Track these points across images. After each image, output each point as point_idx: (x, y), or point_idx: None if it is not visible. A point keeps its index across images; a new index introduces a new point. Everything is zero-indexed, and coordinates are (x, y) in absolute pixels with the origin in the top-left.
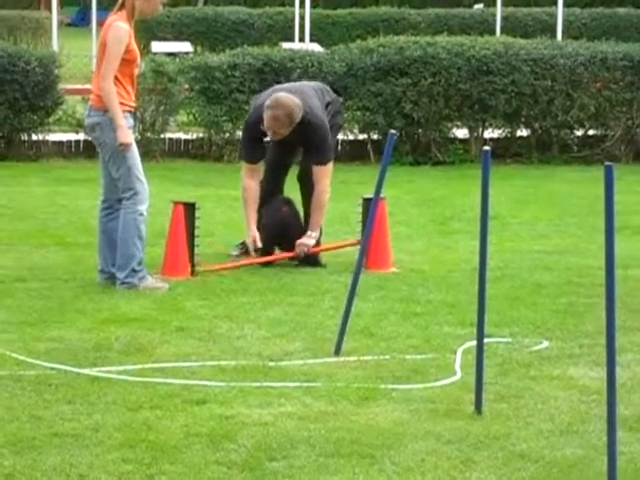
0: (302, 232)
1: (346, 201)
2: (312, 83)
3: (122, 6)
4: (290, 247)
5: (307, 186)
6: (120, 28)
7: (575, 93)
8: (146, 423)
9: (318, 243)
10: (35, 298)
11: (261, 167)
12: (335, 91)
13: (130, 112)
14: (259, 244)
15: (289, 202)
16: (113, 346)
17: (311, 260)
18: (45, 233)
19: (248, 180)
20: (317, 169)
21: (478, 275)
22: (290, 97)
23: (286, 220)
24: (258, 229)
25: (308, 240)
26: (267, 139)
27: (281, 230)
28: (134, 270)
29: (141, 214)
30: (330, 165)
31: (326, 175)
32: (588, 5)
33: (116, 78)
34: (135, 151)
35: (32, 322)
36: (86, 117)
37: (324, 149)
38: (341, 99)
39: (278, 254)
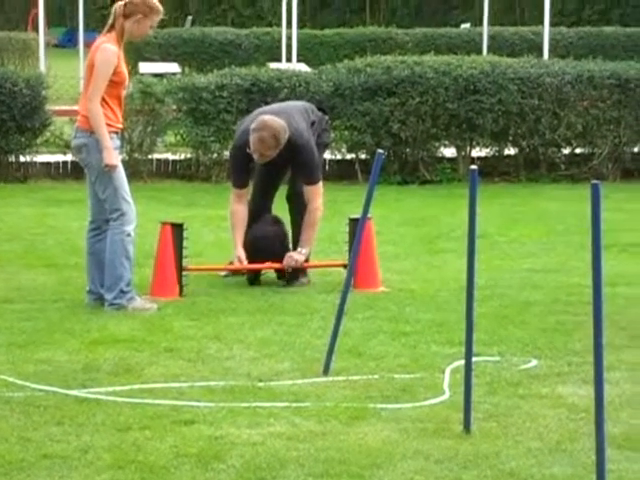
0: (287, 251)
1: (334, 220)
2: (298, 103)
3: (112, 27)
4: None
5: (296, 206)
6: (108, 50)
7: (562, 111)
8: (135, 444)
9: (306, 261)
10: (23, 319)
11: (249, 191)
12: (321, 109)
13: (117, 133)
14: (245, 264)
15: (278, 222)
16: (102, 367)
17: (292, 277)
18: (33, 254)
19: (236, 205)
20: (307, 189)
21: (466, 294)
22: (275, 119)
23: (272, 237)
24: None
25: (298, 255)
26: (253, 163)
27: (266, 246)
28: (122, 291)
29: (128, 234)
30: (320, 184)
31: (317, 194)
32: (575, 24)
33: (103, 99)
34: (122, 172)
35: (20, 343)
36: (72, 138)
37: (311, 169)
38: (327, 117)
39: (267, 264)
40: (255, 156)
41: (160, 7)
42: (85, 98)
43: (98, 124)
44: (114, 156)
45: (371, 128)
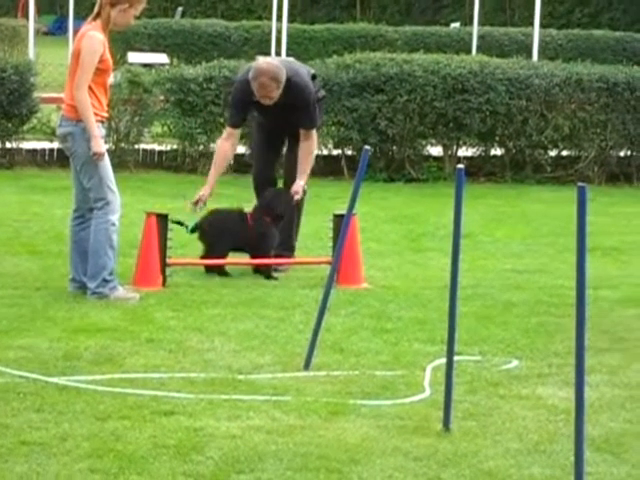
0: (273, 244)
1: (319, 216)
2: (305, 66)
3: (97, 16)
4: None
5: (291, 176)
6: (94, 37)
7: (550, 114)
8: (114, 433)
9: (293, 255)
10: (6, 306)
11: (239, 132)
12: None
13: (102, 122)
14: (200, 204)
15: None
16: (83, 355)
17: (264, 272)
18: (17, 241)
19: (223, 142)
20: (304, 132)
21: (449, 293)
22: (270, 62)
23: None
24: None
25: (297, 186)
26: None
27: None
28: (105, 280)
29: (113, 224)
30: (314, 131)
31: (313, 136)
32: (564, 26)
33: (89, 88)
34: (107, 161)
35: (2, 330)
36: (58, 127)
37: (310, 111)
38: (324, 93)
39: (246, 260)
40: (263, 101)
41: None
42: (71, 86)
43: (86, 112)
44: (101, 144)
45: (358, 124)
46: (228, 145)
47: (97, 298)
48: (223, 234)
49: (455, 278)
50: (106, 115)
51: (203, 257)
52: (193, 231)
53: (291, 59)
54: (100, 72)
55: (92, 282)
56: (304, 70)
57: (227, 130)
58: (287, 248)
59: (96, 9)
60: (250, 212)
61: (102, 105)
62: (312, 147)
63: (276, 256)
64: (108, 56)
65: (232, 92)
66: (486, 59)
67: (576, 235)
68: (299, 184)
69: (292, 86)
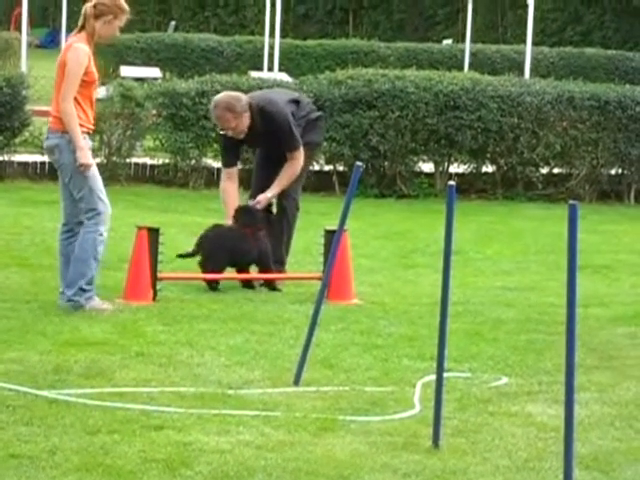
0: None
1: (310, 231)
2: (289, 93)
3: (82, 28)
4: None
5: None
6: (80, 49)
7: (541, 131)
8: (103, 447)
9: (283, 270)
10: None
11: (236, 170)
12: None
13: (88, 134)
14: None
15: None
16: (73, 369)
17: (269, 285)
18: (7, 254)
19: (225, 183)
20: (288, 154)
21: (439, 309)
22: (225, 94)
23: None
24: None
25: (261, 197)
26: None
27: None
28: (82, 289)
29: (101, 234)
30: (299, 151)
31: (298, 156)
32: (556, 44)
33: (75, 99)
34: (96, 172)
35: None
36: (45, 139)
37: (286, 135)
38: (321, 113)
39: (239, 275)
40: (229, 133)
41: (127, 7)
42: (57, 99)
43: (71, 124)
44: (88, 155)
45: (350, 140)
46: (231, 185)
47: (72, 306)
48: (221, 249)
49: (446, 295)
50: (92, 127)
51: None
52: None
53: (275, 89)
54: (86, 84)
55: (69, 290)
56: (281, 97)
57: (224, 171)
58: (278, 261)
59: (81, 21)
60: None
61: (88, 117)
62: (295, 167)
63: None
64: (93, 68)
65: (219, 135)
66: (478, 76)
67: (567, 253)
68: (266, 195)
69: (265, 114)
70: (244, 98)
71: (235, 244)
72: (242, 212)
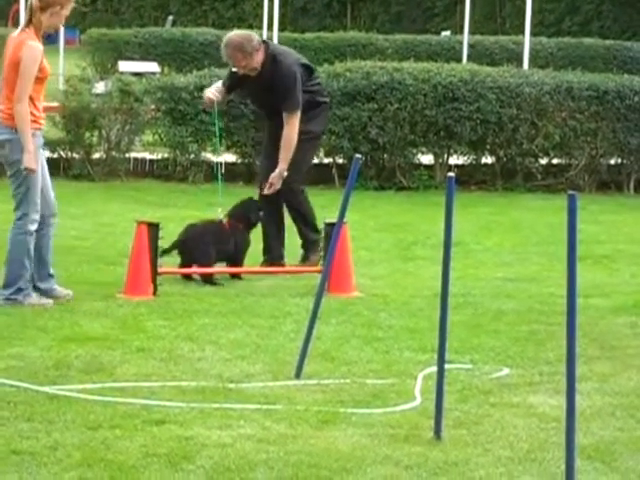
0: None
1: None
2: (307, 62)
3: (29, 22)
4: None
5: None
6: (34, 48)
7: (540, 122)
8: (105, 442)
9: (282, 264)
10: None
11: (223, 89)
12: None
13: (40, 129)
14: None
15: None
16: (73, 364)
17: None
18: (3, 250)
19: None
20: (285, 115)
21: (440, 301)
22: (236, 33)
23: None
24: None
25: (272, 177)
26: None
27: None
28: (19, 289)
29: (31, 234)
30: (296, 114)
31: (291, 121)
32: (555, 34)
33: (30, 97)
34: (39, 174)
35: None
36: None
37: (288, 93)
38: (326, 100)
39: (237, 268)
40: (241, 71)
41: None
42: (8, 95)
43: (24, 127)
44: (34, 160)
45: (349, 133)
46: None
47: (9, 304)
48: (205, 245)
49: (446, 286)
50: (44, 122)
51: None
52: (165, 251)
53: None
54: (39, 80)
55: (7, 289)
56: (299, 58)
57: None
58: (276, 258)
59: (27, 16)
60: (226, 221)
61: (40, 112)
62: (291, 134)
63: (271, 264)
64: (46, 63)
65: (230, 72)
66: (477, 67)
67: (567, 243)
68: (275, 174)
69: (276, 63)
70: (256, 38)
71: (216, 238)
72: (246, 205)
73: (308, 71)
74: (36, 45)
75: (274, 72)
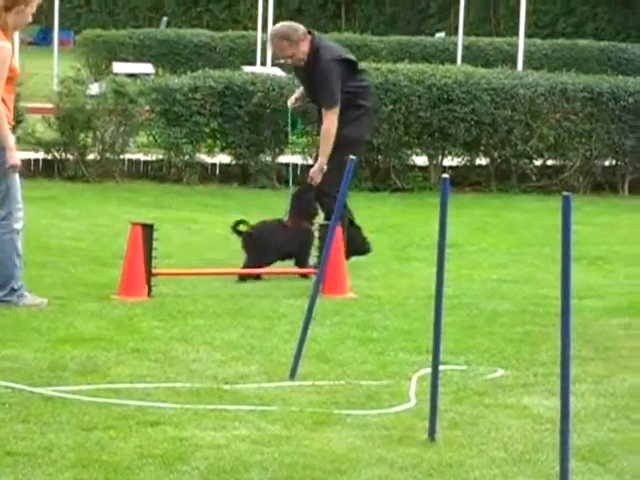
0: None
1: None
2: (359, 66)
3: None
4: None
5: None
6: (3, 48)
7: (534, 123)
8: (100, 443)
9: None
10: None
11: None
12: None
13: (12, 129)
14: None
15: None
16: (68, 366)
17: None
18: None
19: None
20: (323, 110)
21: (434, 302)
22: (282, 23)
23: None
24: None
25: (312, 172)
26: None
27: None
28: (13, 289)
29: (17, 232)
30: (333, 110)
31: (329, 116)
32: (549, 36)
33: (1, 98)
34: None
35: None
36: None
37: (323, 90)
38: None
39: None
40: (288, 61)
41: None
42: None
43: (2, 127)
44: (17, 156)
45: None
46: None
47: (4, 306)
48: (268, 244)
49: (440, 288)
50: (13, 122)
51: (245, 267)
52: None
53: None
54: (10, 80)
55: (1, 291)
56: (335, 52)
57: None
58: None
59: None
60: (289, 219)
61: (11, 112)
62: (330, 128)
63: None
64: (15, 64)
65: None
66: (471, 69)
67: (561, 244)
68: (315, 168)
69: (316, 56)
70: (301, 28)
71: (280, 237)
72: (297, 197)
73: (351, 69)
74: (5, 45)
75: (314, 65)
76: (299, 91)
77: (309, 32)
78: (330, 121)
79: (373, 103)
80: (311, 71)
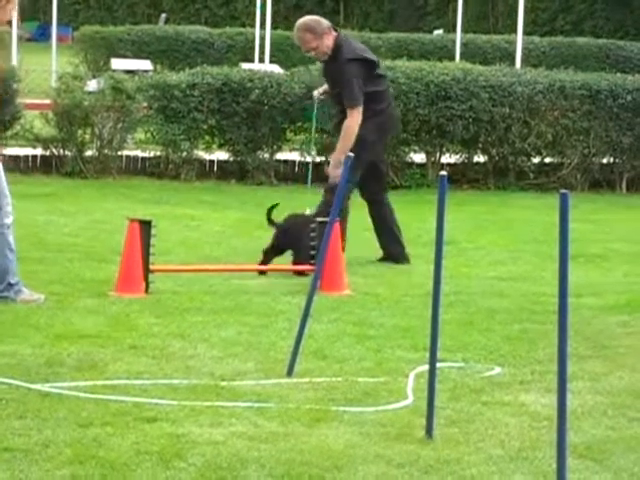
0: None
1: None
2: (382, 69)
3: None
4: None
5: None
6: None
7: (532, 121)
8: (97, 440)
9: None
10: None
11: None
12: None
13: None
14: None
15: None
16: (65, 362)
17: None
18: None
19: None
20: (347, 109)
21: (432, 300)
22: (306, 17)
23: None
24: None
25: (328, 169)
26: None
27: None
28: (10, 284)
29: (8, 227)
30: (356, 110)
31: (353, 114)
32: (547, 34)
33: None
34: (0, 168)
35: None
36: None
37: (345, 86)
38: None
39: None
40: (312, 54)
41: None
42: None
43: None
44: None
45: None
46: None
47: (1, 301)
48: (307, 239)
49: (438, 285)
50: None
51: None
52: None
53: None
54: None
55: None
56: (355, 50)
57: None
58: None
59: None
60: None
61: None
62: (352, 125)
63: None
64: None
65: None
66: (469, 66)
67: (559, 242)
68: (331, 164)
69: (338, 53)
70: (326, 22)
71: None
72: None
73: (369, 72)
74: None
75: (335, 62)
76: (326, 85)
77: (335, 29)
78: (353, 118)
79: (389, 107)
80: (332, 68)
